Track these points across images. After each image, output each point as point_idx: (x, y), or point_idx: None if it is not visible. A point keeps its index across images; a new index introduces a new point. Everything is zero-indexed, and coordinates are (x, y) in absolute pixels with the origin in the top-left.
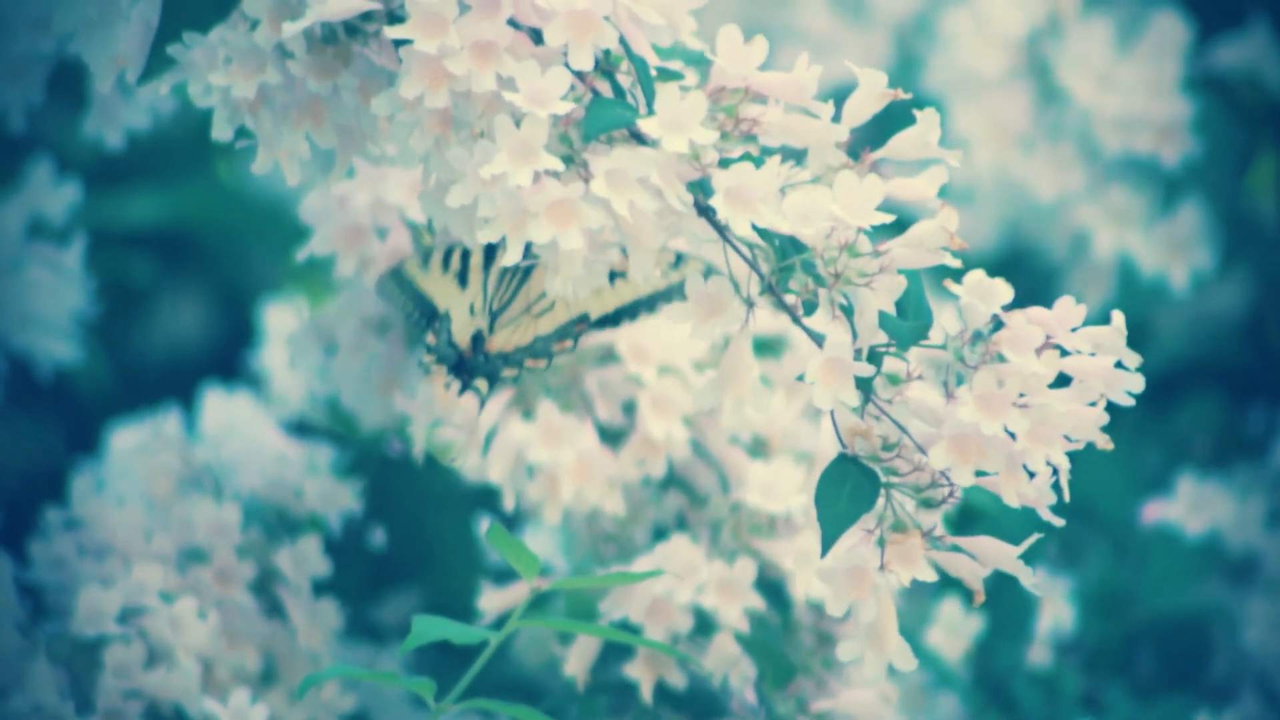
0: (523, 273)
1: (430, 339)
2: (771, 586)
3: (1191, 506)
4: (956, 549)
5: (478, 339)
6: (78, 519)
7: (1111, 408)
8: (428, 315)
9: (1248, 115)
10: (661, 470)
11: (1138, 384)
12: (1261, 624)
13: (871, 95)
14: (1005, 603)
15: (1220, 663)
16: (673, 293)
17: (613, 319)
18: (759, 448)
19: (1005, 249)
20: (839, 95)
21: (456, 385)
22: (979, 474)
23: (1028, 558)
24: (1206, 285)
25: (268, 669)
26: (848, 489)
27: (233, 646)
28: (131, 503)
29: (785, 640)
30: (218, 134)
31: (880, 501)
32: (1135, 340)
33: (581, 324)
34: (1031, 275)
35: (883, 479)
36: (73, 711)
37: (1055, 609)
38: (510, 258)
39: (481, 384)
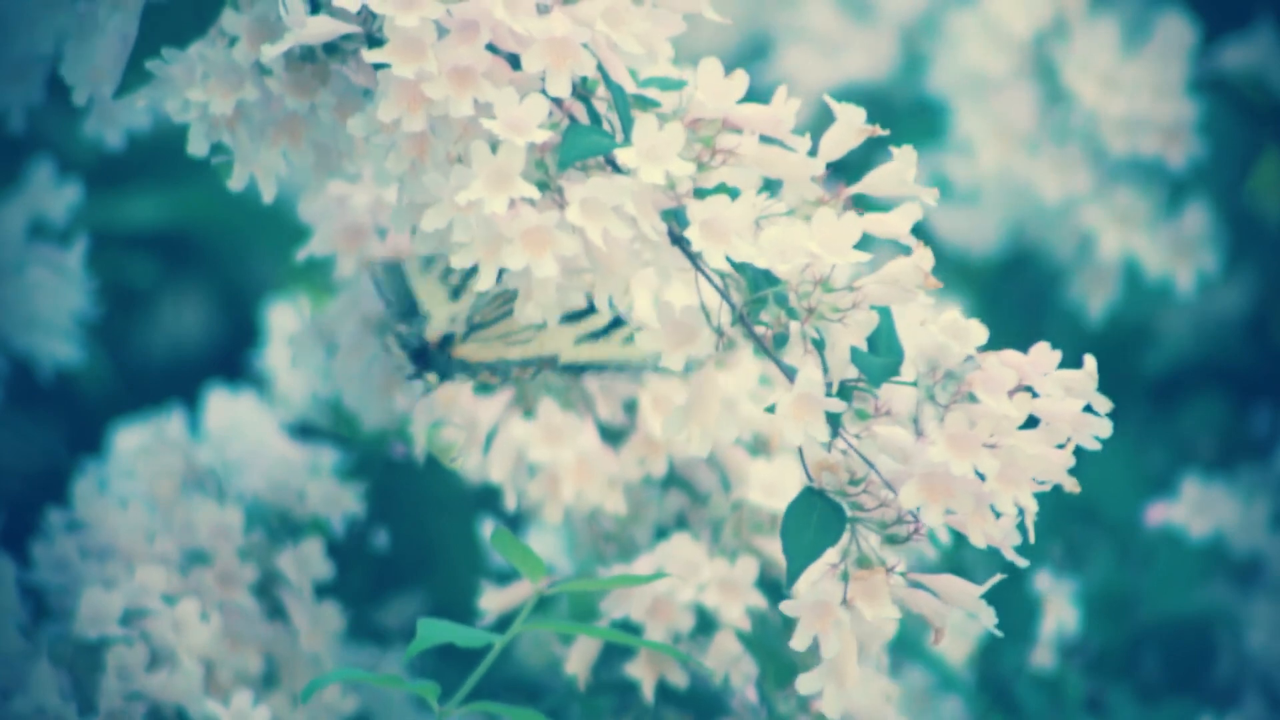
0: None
1: (401, 327)
2: (773, 585)
3: (1196, 508)
4: (919, 585)
5: (448, 339)
6: (80, 520)
7: (1116, 409)
8: (407, 312)
9: (1253, 116)
10: (663, 469)
11: (1105, 429)
12: (1266, 626)
13: (849, 130)
14: (1009, 605)
15: (1224, 665)
16: (644, 365)
17: (578, 369)
18: (760, 446)
19: (1010, 250)
20: (843, 98)
21: (410, 369)
22: (947, 512)
23: (1033, 559)
24: (1212, 286)
25: (269, 672)
26: (814, 522)
27: (235, 649)
28: (134, 504)
29: (786, 639)
30: (193, 149)
31: (845, 536)
32: (1140, 341)
33: (548, 364)
34: (1036, 276)
35: (849, 514)
36: (75, 713)
37: (1059, 611)
38: (484, 283)
39: (431, 377)
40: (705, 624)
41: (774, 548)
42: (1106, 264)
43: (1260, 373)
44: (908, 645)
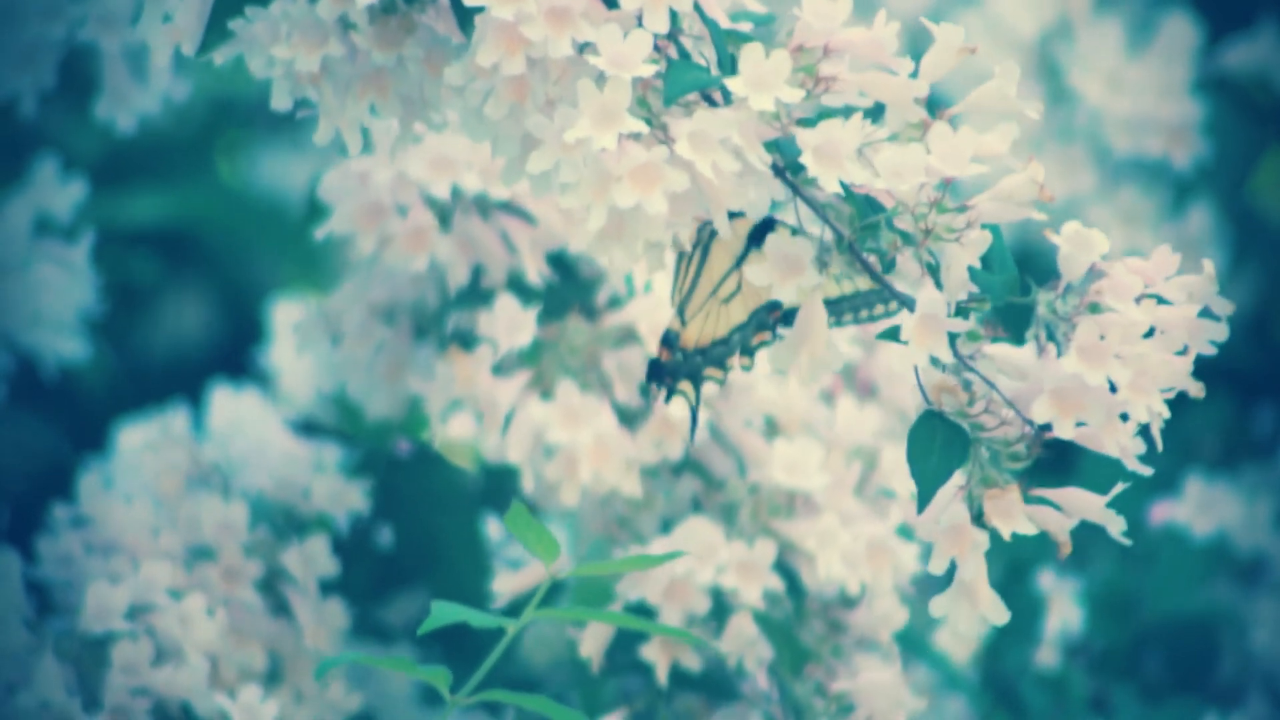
0: (702, 251)
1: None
2: (785, 574)
3: (1199, 507)
4: (1044, 501)
5: (669, 338)
6: (85, 516)
7: None
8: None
9: (1256, 116)
10: (679, 452)
11: (1222, 333)
12: (1269, 626)
13: (948, 51)
14: (1013, 604)
15: (1228, 665)
16: (871, 297)
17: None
18: (773, 430)
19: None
20: None
21: (658, 393)
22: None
23: (1037, 558)
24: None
25: (273, 668)
26: (938, 445)
27: (239, 645)
28: (139, 500)
29: (797, 627)
30: (277, 104)
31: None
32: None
33: (776, 311)
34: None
35: (970, 435)
36: (80, 709)
37: (1063, 610)
38: (594, 223)
39: (686, 386)
40: (720, 607)
41: (793, 530)
42: None
43: (1263, 372)
44: (912, 643)
